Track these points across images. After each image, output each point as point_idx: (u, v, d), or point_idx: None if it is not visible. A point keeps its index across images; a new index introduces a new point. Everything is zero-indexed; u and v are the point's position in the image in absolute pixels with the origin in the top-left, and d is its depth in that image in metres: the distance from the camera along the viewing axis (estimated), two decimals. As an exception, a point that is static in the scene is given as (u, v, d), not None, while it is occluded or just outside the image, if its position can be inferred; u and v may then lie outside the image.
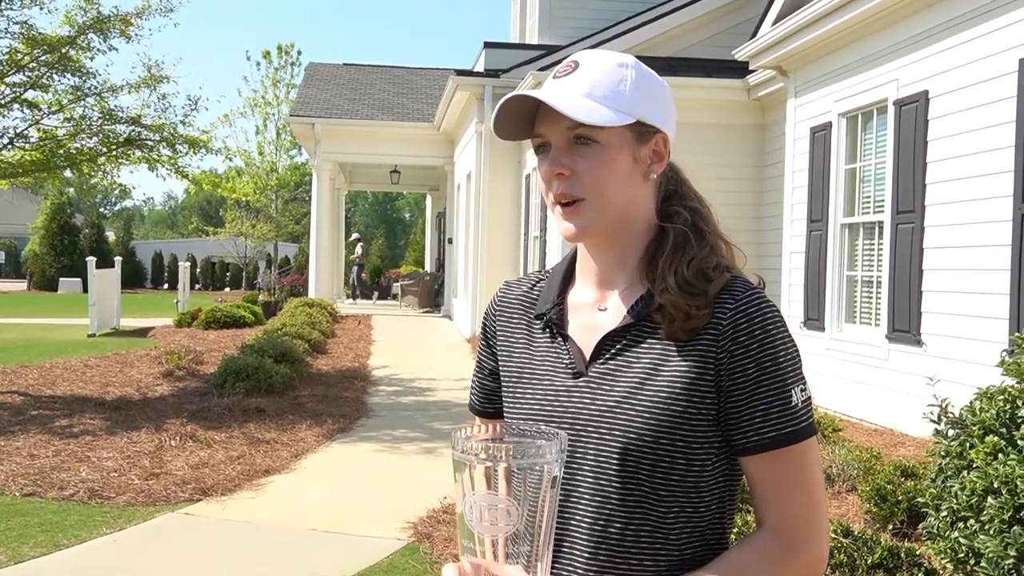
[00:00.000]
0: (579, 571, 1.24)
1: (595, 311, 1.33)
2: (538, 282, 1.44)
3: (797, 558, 1.22)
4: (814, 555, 1.23)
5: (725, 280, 1.26)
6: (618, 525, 1.23)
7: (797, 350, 1.26)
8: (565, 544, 1.26)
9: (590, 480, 1.24)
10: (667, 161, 1.33)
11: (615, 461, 1.22)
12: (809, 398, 1.26)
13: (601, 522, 1.23)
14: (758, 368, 1.22)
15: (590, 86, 1.26)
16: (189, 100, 11.51)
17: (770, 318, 1.24)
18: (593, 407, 1.26)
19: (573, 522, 1.25)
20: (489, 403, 1.46)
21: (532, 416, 1.31)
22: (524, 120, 1.31)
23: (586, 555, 1.24)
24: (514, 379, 1.38)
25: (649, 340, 1.26)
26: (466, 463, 1.01)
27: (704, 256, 1.28)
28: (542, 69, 12.60)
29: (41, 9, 10.44)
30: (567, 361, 1.31)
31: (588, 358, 1.29)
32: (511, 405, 1.37)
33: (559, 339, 1.34)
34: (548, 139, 1.29)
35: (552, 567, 1.25)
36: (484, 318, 1.49)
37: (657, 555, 1.23)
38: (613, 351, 1.28)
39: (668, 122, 1.32)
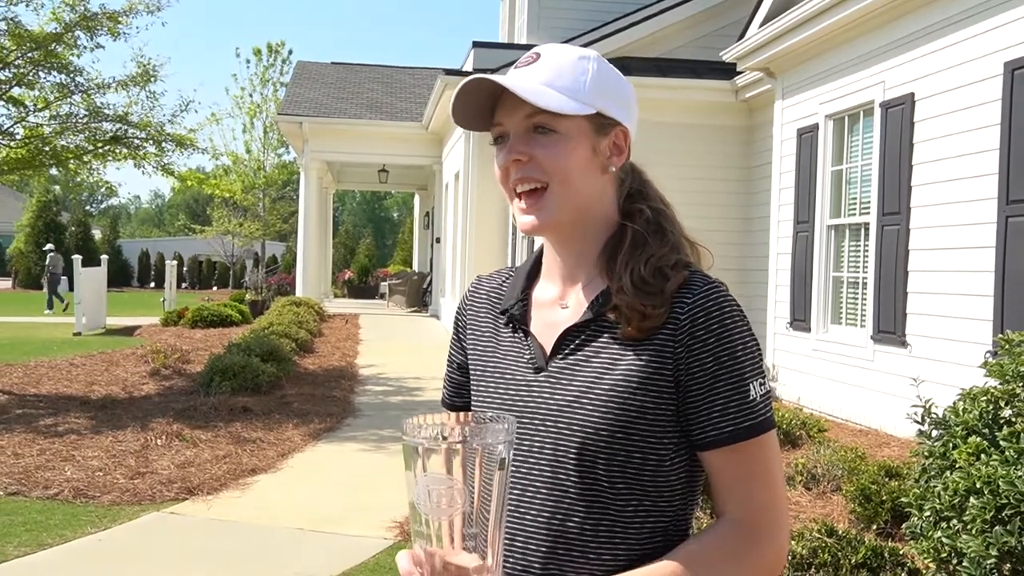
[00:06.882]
0: (536, 565, 1.24)
1: (557, 307, 1.33)
2: (507, 278, 1.44)
3: (757, 551, 1.21)
4: (774, 549, 1.22)
5: (683, 277, 1.25)
6: (576, 519, 1.23)
7: (757, 344, 1.25)
8: (519, 538, 1.26)
9: (548, 474, 1.24)
10: (627, 155, 1.33)
11: (572, 455, 1.23)
12: (768, 392, 1.25)
13: (559, 516, 1.23)
14: (716, 362, 1.21)
15: (552, 76, 1.25)
16: (181, 100, 11.51)
17: (728, 312, 1.23)
18: (552, 402, 1.26)
19: (530, 516, 1.25)
20: (458, 396, 1.47)
21: (494, 410, 1.31)
22: (485, 114, 1.30)
23: (544, 549, 1.24)
24: (479, 373, 1.39)
25: (608, 335, 1.26)
26: (415, 447, 1.02)
27: (663, 254, 1.27)
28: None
29: (27, 6, 10.39)
30: (528, 356, 1.32)
31: (549, 353, 1.30)
32: (476, 399, 1.38)
33: (521, 334, 1.34)
34: (507, 128, 1.28)
35: (509, 561, 1.25)
36: (456, 313, 1.49)
37: (616, 549, 1.23)
38: (573, 346, 1.28)
39: (629, 117, 1.32)
